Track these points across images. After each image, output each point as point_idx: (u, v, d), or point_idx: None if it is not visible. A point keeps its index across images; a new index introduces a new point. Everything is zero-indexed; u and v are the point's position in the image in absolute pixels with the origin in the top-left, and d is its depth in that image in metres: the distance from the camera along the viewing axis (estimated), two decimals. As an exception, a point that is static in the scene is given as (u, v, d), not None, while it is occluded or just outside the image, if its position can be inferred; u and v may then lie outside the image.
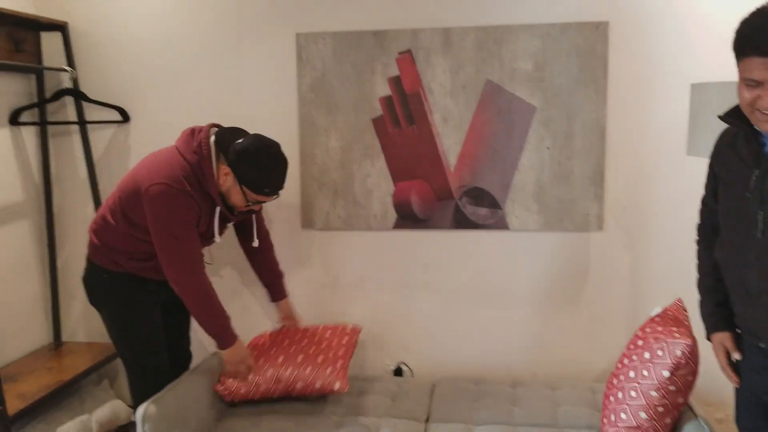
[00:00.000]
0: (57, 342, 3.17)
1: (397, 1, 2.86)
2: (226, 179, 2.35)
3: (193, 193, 2.30)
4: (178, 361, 2.68)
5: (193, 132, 2.39)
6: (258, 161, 2.32)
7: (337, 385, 2.50)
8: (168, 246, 2.31)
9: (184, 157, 2.33)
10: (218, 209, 2.39)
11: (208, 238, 2.45)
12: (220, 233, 2.48)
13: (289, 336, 2.73)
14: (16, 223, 2.97)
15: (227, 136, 2.37)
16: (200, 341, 2.91)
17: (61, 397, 2.90)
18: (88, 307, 3.17)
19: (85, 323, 3.22)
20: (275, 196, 2.43)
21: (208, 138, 2.36)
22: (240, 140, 2.33)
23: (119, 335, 2.53)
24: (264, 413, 2.53)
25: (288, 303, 2.82)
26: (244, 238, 2.72)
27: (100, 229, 2.45)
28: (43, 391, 2.59)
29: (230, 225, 2.62)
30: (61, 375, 2.76)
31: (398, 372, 3.06)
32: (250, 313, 3.10)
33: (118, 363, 3.22)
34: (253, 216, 2.65)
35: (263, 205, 2.66)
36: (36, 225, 3.09)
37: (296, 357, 2.57)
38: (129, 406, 3.18)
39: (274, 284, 2.80)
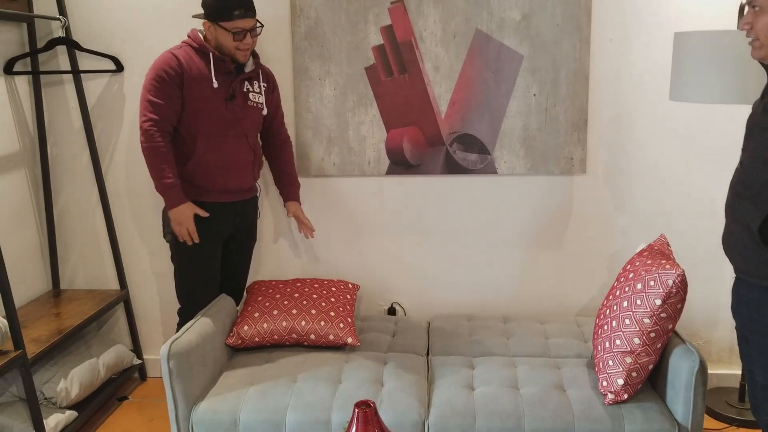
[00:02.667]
0: (56, 290, 3.22)
1: (389, -49, 2.91)
2: (209, 32, 2.59)
3: (176, 52, 2.57)
4: (229, 293, 2.87)
5: None
6: None
7: (349, 340, 2.65)
8: (140, 109, 2.56)
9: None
10: (212, 55, 2.57)
11: (216, 98, 2.59)
12: (232, 96, 2.63)
13: (297, 289, 2.84)
14: (12, 173, 2.98)
15: None
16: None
17: (70, 342, 2.97)
18: (85, 254, 3.25)
19: (83, 271, 3.28)
20: (252, 20, 2.56)
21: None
22: None
23: (179, 263, 2.75)
24: (273, 350, 2.67)
25: (299, 206, 2.98)
26: (266, 142, 2.92)
27: None
28: (55, 335, 2.66)
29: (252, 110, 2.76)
30: (70, 320, 2.82)
31: (392, 311, 3.21)
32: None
33: (117, 309, 3.30)
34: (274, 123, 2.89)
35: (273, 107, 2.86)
36: (32, 174, 3.10)
37: (310, 310, 2.71)
38: (131, 350, 3.28)
39: (290, 186, 2.97)
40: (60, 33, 2.98)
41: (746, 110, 2.04)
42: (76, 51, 2.99)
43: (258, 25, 2.59)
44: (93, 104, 3.10)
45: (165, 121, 2.55)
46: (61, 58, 3.06)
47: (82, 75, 3.04)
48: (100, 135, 3.13)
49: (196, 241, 2.64)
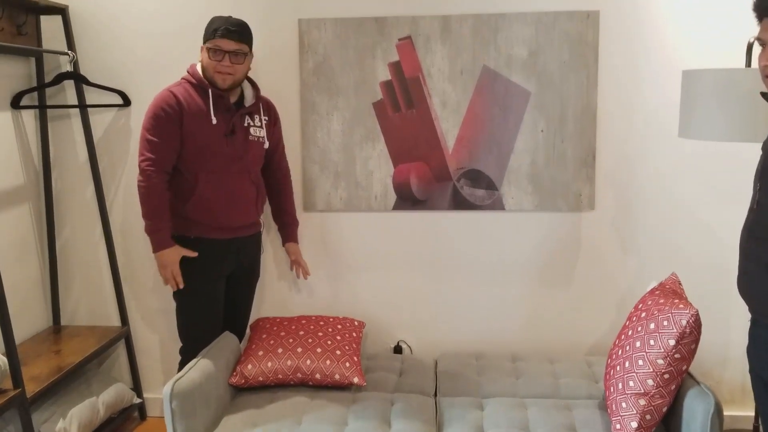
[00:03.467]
0: (56, 326, 3.18)
1: (397, -12, 2.94)
2: (201, 56, 2.60)
3: (174, 89, 2.57)
4: (232, 331, 2.82)
5: None
6: (212, 19, 2.58)
7: (355, 379, 2.60)
8: (138, 148, 2.57)
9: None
10: (210, 91, 2.57)
11: (216, 134, 2.58)
12: (232, 132, 2.62)
13: (302, 326, 2.80)
14: (16, 207, 2.96)
15: None
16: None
17: (69, 380, 2.91)
18: (87, 289, 3.21)
19: (84, 306, 3.23)
20: (234, 43, 2.52)
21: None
22: None
23: (180, 301, 2.71)
24: (278, 390, 2.61)
25: (297, 247, 2.97)
26: (265, 175, 2.87)
27: None
28: (55, 373, 2.61)
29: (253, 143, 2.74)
30: (70, 357, 2.77)
31: (398, 349, 3.16)
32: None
33: (118, 347, 3.25)
34: (275, 157, 2.87)
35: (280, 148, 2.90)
36: (35, 208, 3.08)
37: (315, 349, 2.66)
38: (131, 388, 3.22)
39: (289, 226, 2.96)
40: (68, 67, 2.98)
41: (755, 148, 2.01)
42: (84, 85, 2.99)
43: (241, 50, 2.55)
44: (99, 138, 3.10)
45: (163, 161, 2.54)
46: (68, 91, 3.06)
47: (88, 109, 3.04)
48: (105, 169, 3.11)
49: (181, 286, 2.61)
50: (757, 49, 1.81)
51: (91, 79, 2.99)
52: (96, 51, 3.03)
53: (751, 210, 1.85)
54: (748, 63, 2.38)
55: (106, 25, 3.02)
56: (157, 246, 2.58)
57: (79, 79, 2.97)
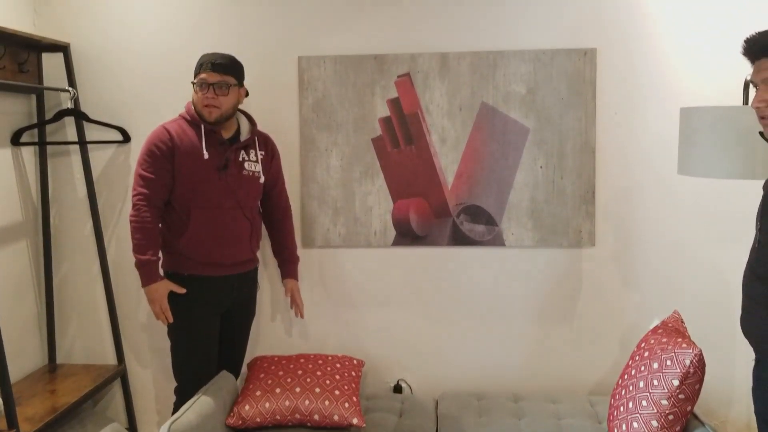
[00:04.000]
0: (52, 364, 3.13)
1: (396, 27, 2.96)
2: (192, 92, 2.63)
3: (168, 125, 2.61)
4: (227, 369, 2.78)
5: None
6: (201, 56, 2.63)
7: (355, 420, 2.56)
8: (132, 184, 2.61)
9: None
10: (202, 126, 2.59)
11: (208, 169, 2.59)
12: (225, 167, 2.62)
13: (300, 365, 2.76)
14: (13, 243, 2.94)
15: None
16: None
17: (64, 420, 2.86)
18: (84, 327, 3.18)
19: (80, 343, 3.19)
20: (218, 76, 2.55)
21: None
22: None
23: (174, 339, 2.69)
24: (275, 430, 2.57)
25: (296, 284, 2.94)
26: (265, 210, 2.89)
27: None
28: (50, 414, 2.56)
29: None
30: (65, 397, 2.73)
31: (397, 389, 3.11)
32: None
33: (113, 386, 3.20)
34: (275, 191, 2.87)
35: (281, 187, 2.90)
36: (33, 244, 3.06)
37: (314, 388, 2.62)
38: (126, 428, 3.17)
39: (288, 263, 2.93)
40: (69, 104, 2.99)
41: (755, 185, 2.01)
42: (84, 121, 3.00)
43: (224, 82, 2.56)
44: (98, 174, 3.09)
45: (155, 196, 2.56)
46: (68, 128, 3.07)
47: (88, 145, 3.04)
48: (104, 205, 3.11)
49: (170, 320, 2.60)
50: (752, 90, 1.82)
51: (92, 116, 3.00)
52: (96, 88, 3.05)
53: (753, 249, 1.84)
54: (746, 100, 2.38)
55: (107, 62, 3.04)
56: (146, 280, 2.57)
57: (79, 116, 2.98)
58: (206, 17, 3.00)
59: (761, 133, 1.87)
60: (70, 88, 2.96)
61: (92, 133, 3.05)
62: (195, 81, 2.58)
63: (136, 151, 3.03)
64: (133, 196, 2.57)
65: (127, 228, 3.06)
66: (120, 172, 3.09)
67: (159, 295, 2.58)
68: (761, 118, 1.78)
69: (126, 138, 3.04)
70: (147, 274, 2.57)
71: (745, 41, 1.76)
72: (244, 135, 2.72)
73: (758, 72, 1.75)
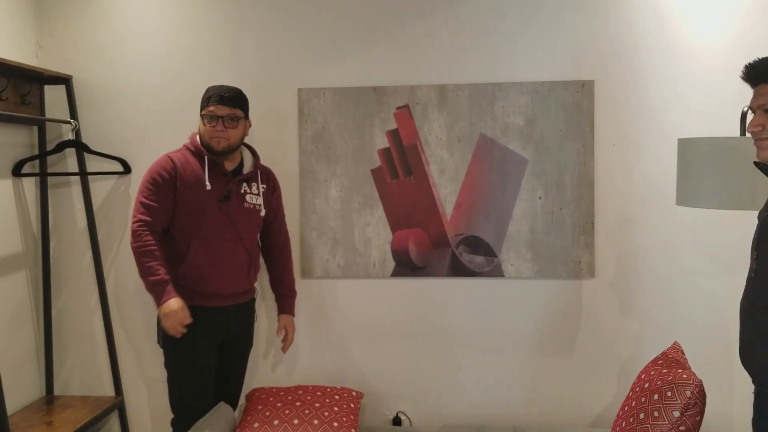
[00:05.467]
0: (49, 395, 3.11)
1: (395, 60, 3.00)
2: (199, 123, 2.65)
3: (173, 155, 2.63)
4: (224, 401, 2.74)
5: None
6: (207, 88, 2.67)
7: None
8: (132, 212, 2.62)
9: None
10: (206, 157, 2.61)
11: (210, 200, 2.60)
12: (227, 198, 2.62)
13: (299, 397, 2.74)
14: (13, 274, 2.94)
15: None
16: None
17: (60, 453, 2.84)
18: (82, 358, 3.16)
19: (78, 374, 3.17)
20: (226, 109, 2.58)
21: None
22: None
23: (171, 370, 2.68)
24: (272, 463, 2.54)
25: (292, 320, 2.91)
26: (264, 243, 2.89)
27: None
28: (45, 446, 2.55)
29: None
30: (61, 429, 2.71)
31: (396, 421, 3.08)
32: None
33: (111, 417, 3.17)
34: (273, 224, 2.87)
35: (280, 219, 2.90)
36: (32, 275, 3.07)
37: (312, 420, 2.60)
38: (123, 460, 3.13)
39: (286, 298, 2.92)
40: (70, 135, 3.02)
41: (753, 216, 2.01)
42: (85, 153, 3.02)
43: (234, 115, 2.60)
44: (98, 205, 3.11)
45: (155, 223, 2.58)
46: (69, 159, 3.09)
47: (89, 176, 3.06)
48: (104, 237, 3.11)
49: (189, 321, 2.52)
50: (750, 117, 1.84)
51: (93, 147, 3.02)
52: (98, 119, 3.07)
53: (749, 279, 1.84)
54: (743, 132, 2.40)
55: (109, 94, 3.07)
56: (161, 298, 2.50)
57: (80, 147, 3.00)
58: (206, 49, 3.04)
59: (756, 163, 1.87)
60: (72, 120, 2.99)
61: (93, 164, 3.08)
62: (203, 113, 2.61)
63: (137, 182, 3.05)
64: (133, 223, 2.58)
65: (126, 259, 3.09)
66: (120, 203, 3.10)
67: (177, 306, 2.49)
68: (756, 140, 1.80)
69: (126, 169, 3.06)
70: (161, 291, 2.50)
71: (745, 66, 1.80)
72: (247, 168, 2.73)
73: (757, 97, 1.78)
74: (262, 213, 2.75)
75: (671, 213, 2.91)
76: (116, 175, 3.09)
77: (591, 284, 2.99)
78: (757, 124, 1.77)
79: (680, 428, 2.03)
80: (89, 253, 3.10)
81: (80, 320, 3.16)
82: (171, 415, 2.72)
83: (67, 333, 3.16)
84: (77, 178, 3.08)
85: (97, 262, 3.07)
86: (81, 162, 3.04)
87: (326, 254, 3.07)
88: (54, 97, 3.05)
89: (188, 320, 2.52)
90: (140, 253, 2.55)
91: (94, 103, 3.07)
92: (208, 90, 2.65)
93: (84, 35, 3.07)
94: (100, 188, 3.11)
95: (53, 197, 3.12)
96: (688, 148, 2.49)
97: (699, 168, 2.42)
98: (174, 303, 2.52)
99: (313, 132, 3.03)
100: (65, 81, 3.00)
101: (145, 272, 2.55)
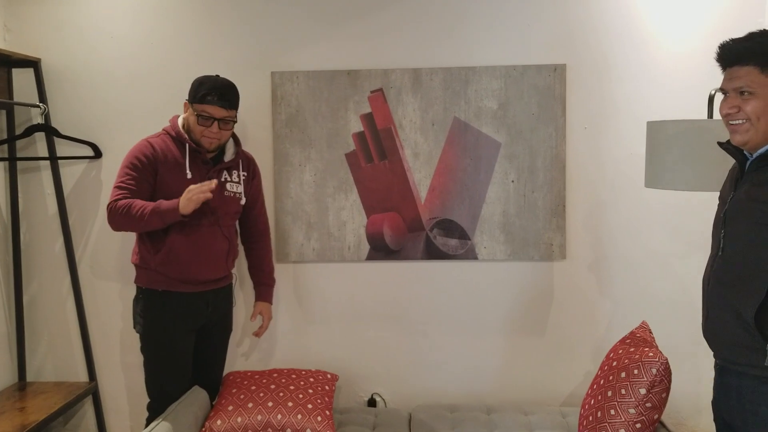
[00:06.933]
0: (22, 382, 3.09)
1: (369, 43, 2.99)
2: (186, 112, 2.60)
3: (152, 140, 2.58)
4: (205, 387, 2.75)
5: None
6: (199, 79, 2.57)
7: None
8: (110, 194, 2.54)
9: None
10: (187, 146, 2.56)
11: (188, 185, 2.48)
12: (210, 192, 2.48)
13: (273, 380, 2.75)
14: (-18, 261, 2.91)
15: None
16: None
17: (33, 438, 2.82)
18: (54, 344, 3.14)
19: (51, 361, 3.15)
20: (224, 111, 2.52)
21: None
22: None
23: (148, 354, 2.66)
24: (248, 446, 2.55)
25: (269, 308, 2.92)
26: (243, 232, 2.89)
27: (135, 248, 2.66)
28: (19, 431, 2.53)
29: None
30: (34, 415, 2.69)
31: (371, 403, 3.11)
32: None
33: (85, 403, 3.16)
34: (254, 212, 2.85)
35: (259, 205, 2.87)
36: (2, 262, 3.03)
37: (286, 403, 2.61)
38: (98, 445, 3.13)
39: (264, 285, 2.92)
40: (39, 119, 2.98)
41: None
42: (55, 137, 2.98)
43: (230, 117, 2.56)
44: (69, 190, 3.07)
45: (126, 191, 2.53)
46: (39, 144, 3.04)
47: (59, 161, 3.02)
48: (75, 222, 3.08)
49: (213, 186, 2.45)
50: (719, 99, 1.84)
51: (63, 132, 2.98)
52: (67, 103, 3.03)
53: (714, 257, 1.87)
54: (710, 114, 2.44)
55: (78, 78, 3.03)
56: (172, 207, 2.43)
57: (50, 131, 2.96)
58: (178, 33, 3.01)
59: (720, 144, 1.90)
60: (41, 104, 2.95)
61: (63, 148, 3.04)
62: (198, 111, 2.51)
63: (108, 166, 3.03)
64: (108, 204, 2.51)
65: (98, 244, 3.08)
66: (91, 188, 3.07)
67: (185, 197, 2.42)
68: (727, 124, 1.80)
69: (97, 154, 3.03)
70: (168, 206, 2.44)
71: (719, 47, 1.78)
72: (229, 156, 2.70)
73: (730, 80, 1.76)
74: (243, 201, 2.73)
75: (642, 196, 2.96)
76: (87, 160, 3.05)
77: (562, 266, 3.04)
78: (732, 105, 1.75)
79: (646, 405, 2.08)
80: (61, 239, 3.07)
81: (52, 306, 3.13)
82: (146, 400, 2.71)
83: (39, 319, 3.14)
84: (47, 163, 3.04)
85: (69, 248, 3.04)
86: (51, 146, 3.00)
87: (301, 238, 3.07)
88: (22, 81, 3.00)
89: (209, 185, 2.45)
90: (123, 206, 2.46)
91: (64, 86, 3.03)
92: (203, 83, 2.53)
93: (53, 18, 3.01)
94: (70, 173, 3.07)
95: (23, 182, 3.08)
96: (656, 130, 2.53)
97: (667, 150, 2.46)
98: (182, 197, 2.44)
99: (287, 116, 3.02)
100: (33, 64, 2.95)
101: (138, 213, 2.45)
